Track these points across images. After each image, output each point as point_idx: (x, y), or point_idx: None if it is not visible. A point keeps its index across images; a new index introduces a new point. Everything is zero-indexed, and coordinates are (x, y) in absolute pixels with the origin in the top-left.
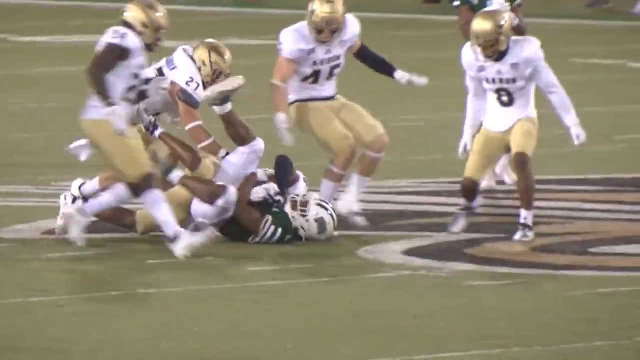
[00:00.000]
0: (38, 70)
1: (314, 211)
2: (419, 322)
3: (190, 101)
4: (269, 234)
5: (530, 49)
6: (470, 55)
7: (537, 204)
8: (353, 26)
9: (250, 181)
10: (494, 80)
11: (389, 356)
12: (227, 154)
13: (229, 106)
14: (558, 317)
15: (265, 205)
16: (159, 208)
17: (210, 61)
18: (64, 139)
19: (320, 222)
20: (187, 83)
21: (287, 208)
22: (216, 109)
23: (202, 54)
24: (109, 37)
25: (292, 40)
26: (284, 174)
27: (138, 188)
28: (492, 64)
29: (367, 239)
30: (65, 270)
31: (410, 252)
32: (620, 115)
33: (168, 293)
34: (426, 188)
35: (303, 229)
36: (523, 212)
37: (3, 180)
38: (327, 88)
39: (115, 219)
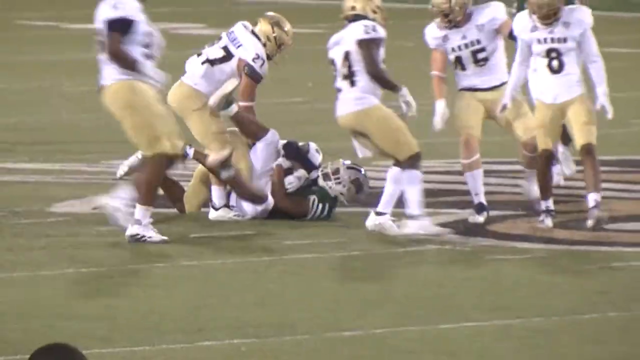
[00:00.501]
0: (88, 56)
1: (346, 175)
2: (444, 293)
3: (254, 76)
4: (318, 211)
5: (582, 12)
6: (524, 19)
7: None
8: (490, 10)
9: (280, 173)
10: (545, 40)
11: (415, 324)
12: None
13: (234, 107)
14: (573, 289)
15: (304, 188)
16: (414, 188)
17: (274, 36)
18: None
19: (356, 183)
20: (253, 60)
21: (321, 181)
22: (224, 113)
23: (265, 29)
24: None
25: (428, 31)
26: (300, 155)
27: (406, 165)
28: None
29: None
30: (114, 243)
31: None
32: (636, 100)
33: (209, 265)
34: (454, 168)
35: (342, 194)
36: (593, 195)
37: (56, 158)
38: (480, 78)
39: (167, 191)
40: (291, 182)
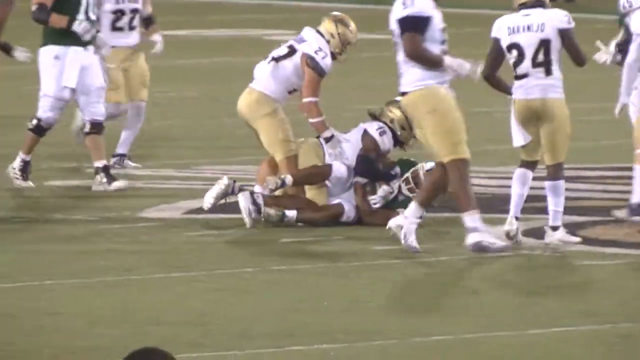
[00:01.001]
0: (178, 62)
1: None
2: (533, 299)
3: (317, 68)
4: None
5: None
6: None
7: None
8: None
9: (360, 191)
10: None
11: (504, 330)
12: (332, 135)
13: (289, 177)
14: None
15: (391, 201)
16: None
17: (338, 33)
18: (201, 126)
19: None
20: (315, 52)
21: (405, 190)
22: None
23: (329, 27)
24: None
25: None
26: (374, 169)
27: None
28: None
29: (486, 221)
30: (203, 247)
31: (527, 233)
32: None
33: (298, 270)
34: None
35: None
36: None
37: (147, 164)
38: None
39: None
40: (376, 201)
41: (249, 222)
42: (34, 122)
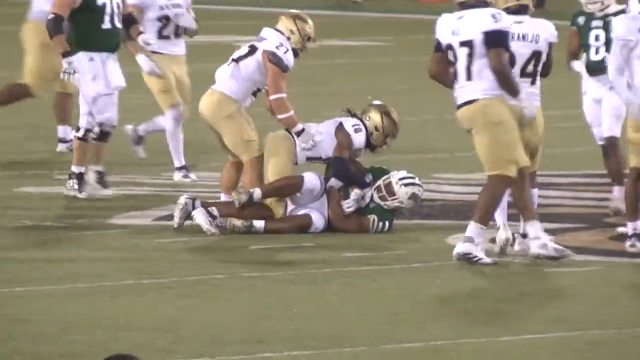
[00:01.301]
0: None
1: (403, 192)
2: (503, 306)
3: (280, 64)
4: (379, 229)
5: None
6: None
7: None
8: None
9: (334, 196)
10: None
11: (474, 337)
12: (303, 129)
13: (258, 192)
14: (633, 301)
15: (363, 208)
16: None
17: (297, 28)
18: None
19: (413, 197)
20: (276, 47)
21: (376, 198)
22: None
23: (287, 24)
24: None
25: None
26: (349, 172)
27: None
28: None
29: (456, 227)
30: (174, 254)
31: (496, 240)
32: None
33: (268, 276)
34: None
35: (401, 208)
36: None
37: (118, 170)
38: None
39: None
40: (350, 205)
41: (215, 231)
42: (96, 130)
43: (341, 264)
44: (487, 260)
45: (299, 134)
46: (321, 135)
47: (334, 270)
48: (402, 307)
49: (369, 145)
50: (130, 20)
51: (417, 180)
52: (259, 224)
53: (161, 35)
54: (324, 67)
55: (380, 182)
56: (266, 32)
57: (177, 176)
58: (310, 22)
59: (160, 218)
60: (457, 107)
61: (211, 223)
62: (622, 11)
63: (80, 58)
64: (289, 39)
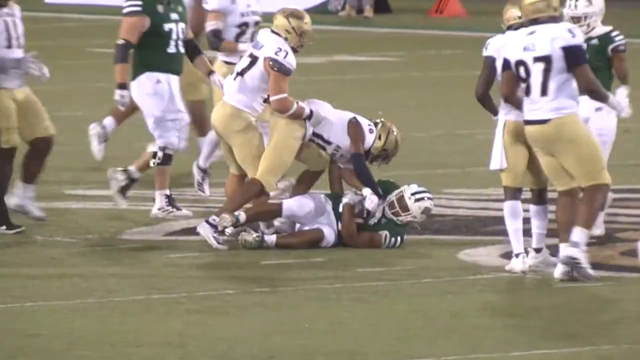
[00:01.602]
0: None
1: (416, 207)
2: (514, 322)
3: (282, 69)
4: (391, 244)
5: None
6: None
7: (624, 211)
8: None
9: (350, 212)
10: None
11: (485, 352)
12: (312, 112)
13: (242, 216)
14: None
15: (377, 224)
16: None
17: (292, 27)
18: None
19: (426, 211)
20: (276, 53)
21: (389, 213)
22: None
23: (282, 23)
24: None
25: None
26: (367, 170)
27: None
28: None
29: (467, 243)
30: (184, 269)
31: (507, 256)
32: None
33: (280, 292)
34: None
35: (414, 223)
36: None
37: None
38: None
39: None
40: (373, 216)
41: (222, 247)
42: (159, 154)
43: (352, 279)
44: (590, 272)
45: (308, 117)
46: (330, 122)
47: (345, 285)
48: (414, 322)
49: (368, 151)
50: (193, 47)
51: (428, 194)
52: (271, 238)
53: (238, 42)
54: (334, 83)
55: (392, 197)
56: (263, 36)
57: (195, 169)
58: (306, 17)
59: (170, 233)
60: (526, 122)
61: (216, 238)
62: (608, 33)
63: (145, 80)
64: (286, 39)
